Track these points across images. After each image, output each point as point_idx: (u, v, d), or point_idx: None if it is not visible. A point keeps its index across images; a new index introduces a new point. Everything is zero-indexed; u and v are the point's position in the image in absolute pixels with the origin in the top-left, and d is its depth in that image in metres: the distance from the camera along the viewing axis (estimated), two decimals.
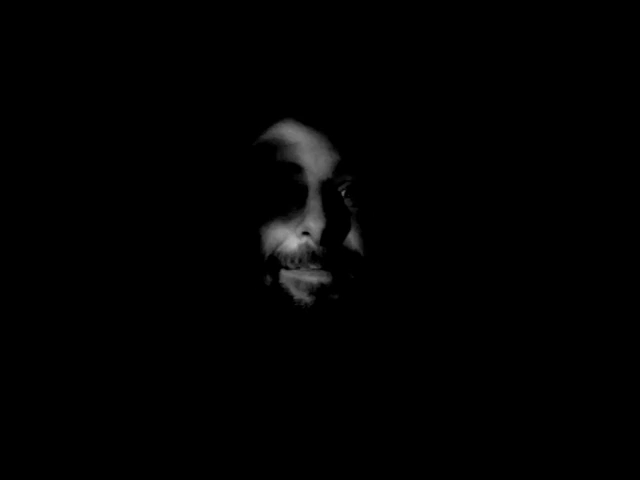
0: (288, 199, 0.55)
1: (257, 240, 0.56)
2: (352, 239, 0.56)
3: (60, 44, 0.69)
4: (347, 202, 0.56)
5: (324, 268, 0.54)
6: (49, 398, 0.61)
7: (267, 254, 0.55)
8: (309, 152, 0.54)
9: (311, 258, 0.54)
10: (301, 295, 0.55)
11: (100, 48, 0.69)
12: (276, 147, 0.55)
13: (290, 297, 0.55)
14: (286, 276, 0.55)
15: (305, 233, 0.54)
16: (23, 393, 0.61)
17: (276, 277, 0.56)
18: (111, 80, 0.69)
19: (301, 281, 0.55)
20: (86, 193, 0.69)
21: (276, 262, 0.55)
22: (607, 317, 0.70)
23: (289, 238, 0.55)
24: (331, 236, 0.53)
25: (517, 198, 0.73)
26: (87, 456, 0.58)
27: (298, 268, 0.55)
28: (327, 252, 0.54)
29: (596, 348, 0.68)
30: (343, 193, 0.56)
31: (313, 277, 0.55)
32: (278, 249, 0.55)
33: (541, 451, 0.61)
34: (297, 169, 0.55)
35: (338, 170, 0.55)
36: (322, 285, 0.55)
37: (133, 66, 0.69)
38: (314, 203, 0.53)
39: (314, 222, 0.52)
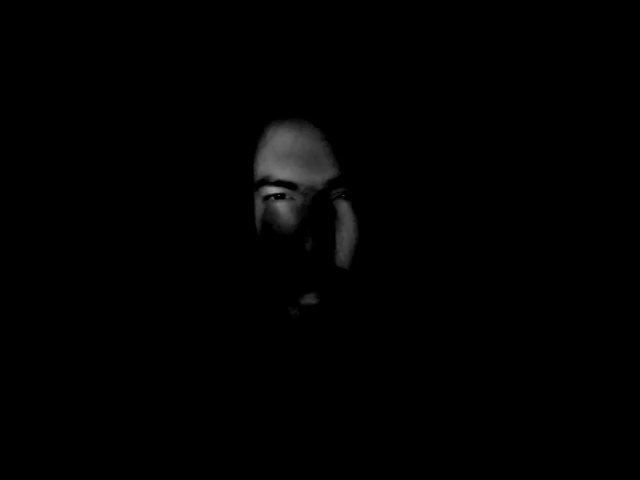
0: (282, 215, 0.57)
1: (254, 257, 0.58)
2: (347, 247, 0.57)
3: (62, 46, 0.69)
4: (340, 209, 0.57)
5: (316, 287, 0.56)
6: (49, 398, 0.61)
7: (265, 273, 0.58)
8: (303, 168, 0.55)
9: (303, 277, 0.56)
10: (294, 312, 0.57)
11: (103, 57, 0.69)
12: (276, 158, 0.56)
13: (286, 313, 0.57)
14: (283, 310, 0.58)
15: (298, 250, 0.56)
16: (23, 393, 0.61)
17: (273, 306, 0.58)
18: (113, 88, 0.69)
19: (297, 318, 0.57)
20: (95, 208, 0.70)
21: (273, 282, 0.58)
22: (607, 317, 0.70)
23: (283, 255, 0.57)
24: (322, 254, 0.55)
25: (515, 212, 0.73)
26: (87, 456, 0.58)
27: (292, 286, 0.57)
28: (319, 270, 0.56)
29: (596, 348, 0.68)
30: (341, 199, 0.57)
31: (304, 300, 0.57)
32: (275, 268, 0.57)
33: (541, 451, 0.61)
34: (290, 186, 0.56)
35: (332, 184, 0.56)
36: (313, 306, 0.57)
37: (134, 73, 0.69)
38: (306, 224, 0.55)
39: (307, 243, 0.54)
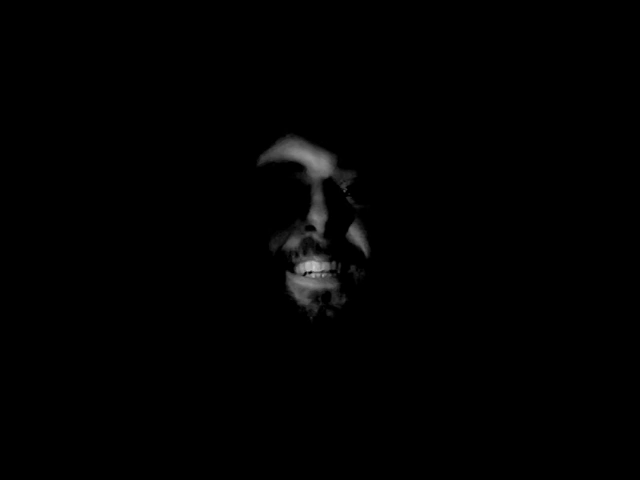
0: (291, 197, 0.56)
1: (263, 238, 0.56)
2: (355, 234, 0.57)
3: (65, 51, 0.69)
4: (349, 199, 0.57)
5: (328, 259, 0.55)
6: (51, 398, 0.61)
7: (273, 252, 0.56)
8: (311, 150, 0.55)
9: (316, 250, 0.55)
10: (305, 302, 0.56)
11: (105, 62, 0.69)
12: (278, 146, 0.56)
13: (295, 303, 0.56)
14: (292, 281, 0.56)
15: (309, 228, 0.55)
16: (24, 394, 0.61)
17: (282, 279, 0.56)
18: (117, 92, 0.69)
19: (306, 288, 0.56)
20: (93, 200, 0.69)
21: (282, 259, 0.56)
22: (607, 317, 0.70)
23: (293, 234, 0.56)
24: (334, 229, 0.54)
25: (517, 192, 0.73)
26: (87, 456, 0.57)
27: (303, 262, 0.55)
28: (331, 244, 0.55)
29: (596, 348, 0.68)
30: (345, 190, 0.57)
31: (318, 284, 0.55)
32: (284, 246, 0.56)
33: (542, 452, 0.61)
34: (299, 167, 0.55)
35: (340, 168, 0.55)
36: (327, 292, 0.56)
37: (136, 80, 0.69)
38: (317, 198, 0.54)
39: (317, 215, 0.53)
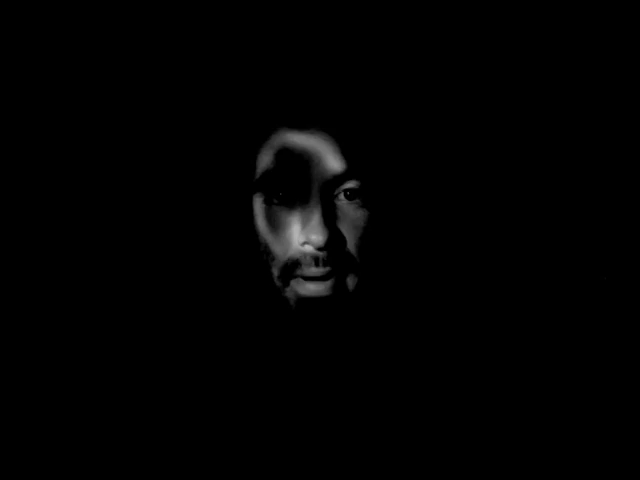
0: (291, 206, 0.56)
1: (261, 248, 0.57)
2: (354, 244, 0.57)
3: (63, 50, 0.69)
4: (350, 206, 0.57)
5: (327, 272, 0.55)
6: (49, 399, 0.61)
7: (269, 261, 0.56)
8: (312, 159, 0.55)
9: (314, 262, 0.54)
10: (302, 304, 0.56)
11: (102, 61, 0.69)
12: (279, 155, 0.56)
13: (293, 311, 0.56)
14: (289, 289, 0.56)
15: (306, 243, 0.54)
16: (23, 394, 0.62)
17: (281, 287, 0.57)
18: (112, 91, 0.70)
19: (303, 297, 0.56)
20: (94, 206, 0.70)
21: (279, 269, 0.56)
22: (607, 317, 0.70)
23: (292, 244, 0.55)
24: (332, 245, 0.54)
25: (520, 201, 0.73)
26: (87, 456, 0.58)
27: (302, 272, 0.55)
28: (329, 256, 0.55)
29: (596, 348, 0.68)
30: (346, 197, 0.56)
31: (314, 288, 0.55)
32: (280, 257, 0.56)
33: (542, 451, 0.61)
34: (300, 176, 0.55)
35: (341, 177, 0.55)
36: (324, 295, 0.55)
37: (133, 76, 0.69)
38: (316, 214, 0.54)
39: (315, 235, 0.53)
